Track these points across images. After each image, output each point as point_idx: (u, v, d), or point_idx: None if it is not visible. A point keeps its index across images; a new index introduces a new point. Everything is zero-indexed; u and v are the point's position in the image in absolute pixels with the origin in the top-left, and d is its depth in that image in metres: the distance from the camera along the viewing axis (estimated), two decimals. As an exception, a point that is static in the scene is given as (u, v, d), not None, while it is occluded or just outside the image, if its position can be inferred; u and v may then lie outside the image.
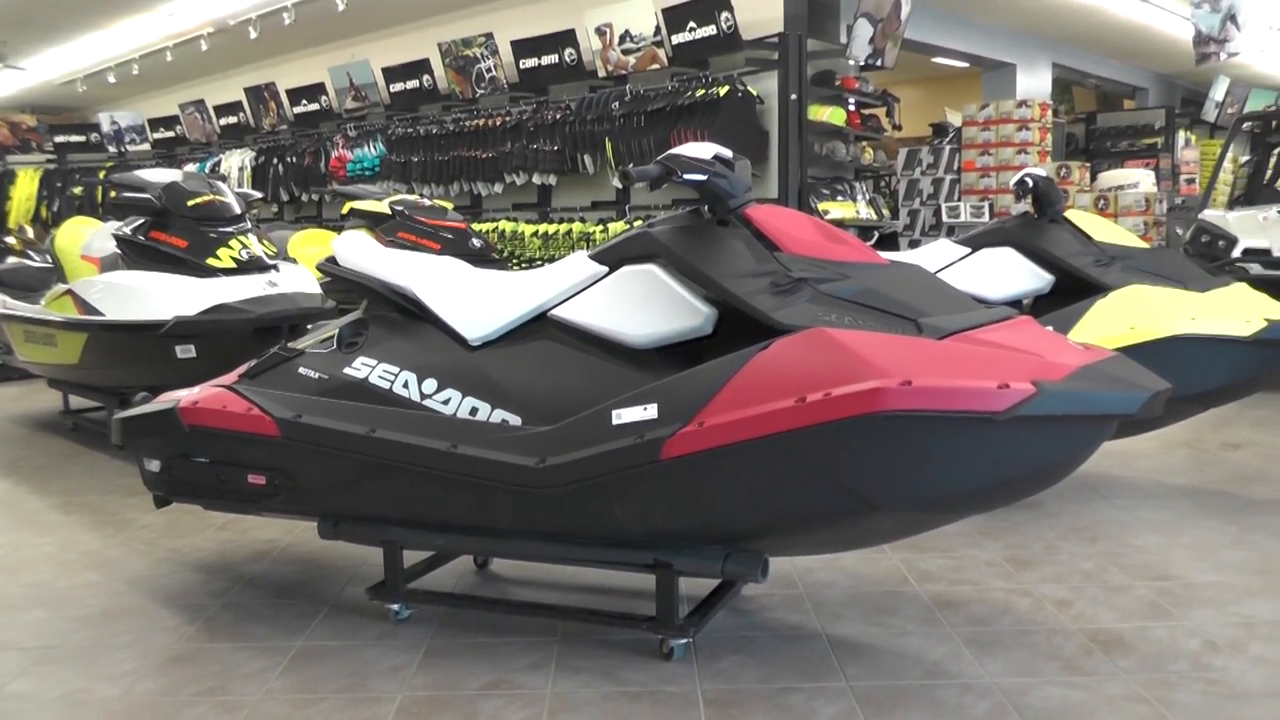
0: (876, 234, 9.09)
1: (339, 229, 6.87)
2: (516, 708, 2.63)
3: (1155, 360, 3.88)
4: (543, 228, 9.66)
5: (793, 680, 2.75)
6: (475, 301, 3.06)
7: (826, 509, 2.55)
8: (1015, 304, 4.36)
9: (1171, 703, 2.60)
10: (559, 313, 2.96)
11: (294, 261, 6.37)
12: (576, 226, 9.49)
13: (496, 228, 9.96)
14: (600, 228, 9.37)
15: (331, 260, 3.34)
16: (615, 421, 2.65)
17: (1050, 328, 3.95)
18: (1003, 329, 2.61)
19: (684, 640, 2.87)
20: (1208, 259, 6.80)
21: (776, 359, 2.50)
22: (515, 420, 2.88)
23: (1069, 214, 4.39)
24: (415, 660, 2.92)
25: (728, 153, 2.90)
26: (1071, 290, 4.21)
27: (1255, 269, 6.55)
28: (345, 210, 6.81)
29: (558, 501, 2.74)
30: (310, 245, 6.86)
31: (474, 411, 2.93)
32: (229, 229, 5.13)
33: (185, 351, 4.79)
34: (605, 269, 2.93)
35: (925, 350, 2.46)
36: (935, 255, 4.47)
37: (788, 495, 2.55)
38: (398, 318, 3.18)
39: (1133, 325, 3.92)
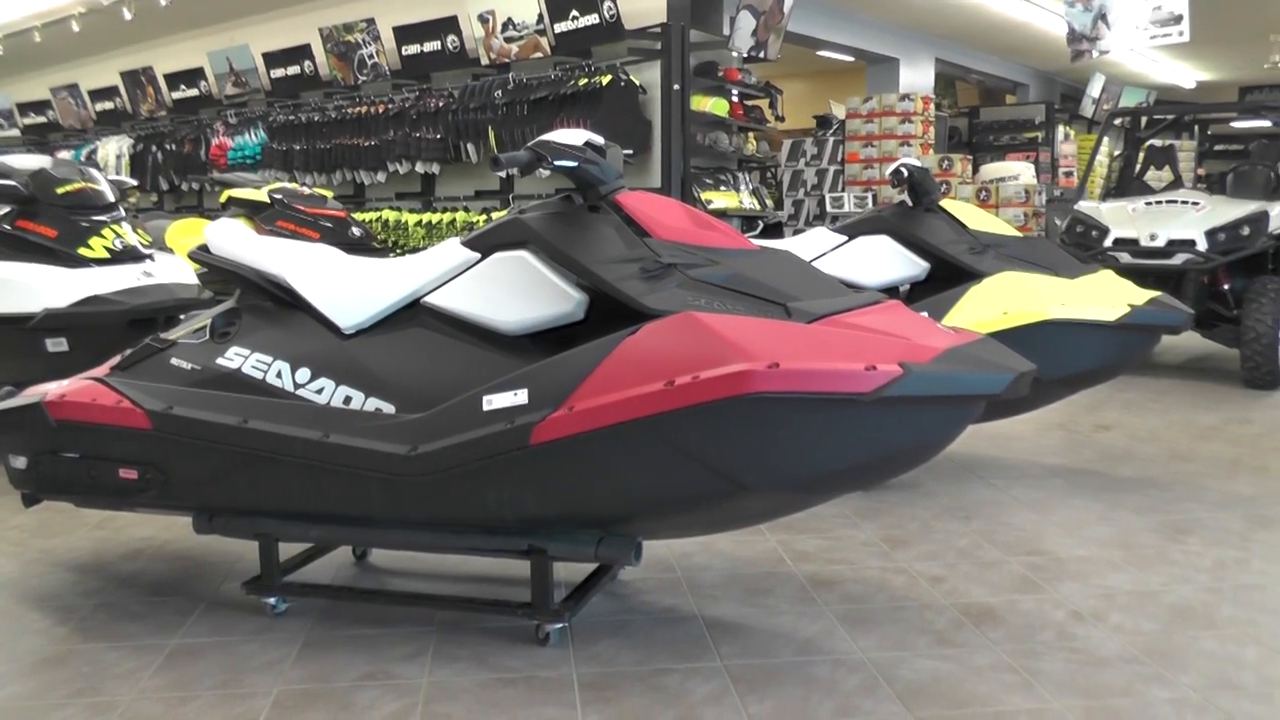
0: (761, 224, 9.17)
1: (218, 219, 6.70)
2: (392, 698, 2.58)
3: (1026, 344, 3.99)
4: (426, 217, 9.55)
5: (668, 661, 2.75)
6: (348, 289, 3.00)
7: (697, 491, 2.55)
8: (891, 291, 4.44)
9: (1037, 671, 2.67)
10: (432, 300, 2.92)
11: (170, 252, 6.18)
12: (460, 215, 9.40)
13: (380, 217, 9.82)
14: (484, 217, 9.30)
15: (204, 248, 3.24)
16: (486, 407, 2.62)
17: (924, 313, 4.06)
18: (872, 313, 2.64)
19: (559, 625, 2.86)
20: (1082, 248, 7.01)
21: (645, 343, 2.50)
22: (389, 409, 2.83)
23: (944, 203, 4.47)
24: (292, 654, 2.85)
25: (599, 139, 2.88)
26: (947, 277, 4.29)
27: (1125, 258, 6.76)
28: (223, 199, 6.63)
29: (430, 489, 2.70)
30: (187, 235, 6.66)
31: (347, 400, 2.88)
32: (101, 218, 4.93)
33: (56, 345, 4.59)
34: (478, 255, 2.89)
35: (793, 333, 2.47)
36: (812, 243, 4.52)
37: (658, 478, 2.54)
38: (271, 306, 3.10)
39: (1005, 310, 4.01)
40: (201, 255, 3.21)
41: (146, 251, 4.98)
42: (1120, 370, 4.26)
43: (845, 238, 4.51)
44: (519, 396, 2.59)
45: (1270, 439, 5.32)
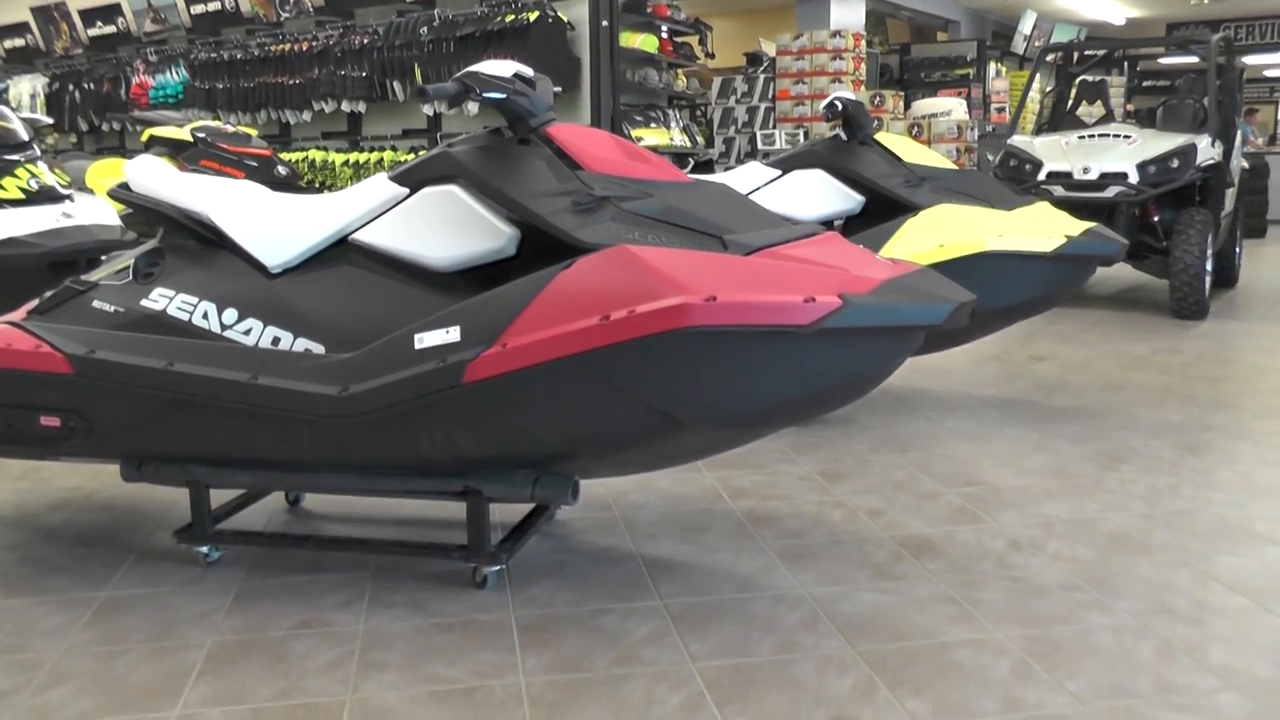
0: (691, 161, 9.09)
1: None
2: (327, 647, 2.51)
3: (963, 276, 3.99)
4: (354, 156, 9.35)
5: (606, 602, 2.72)
6: (274, 227, 2.89)
7: (633, 428, 2.51)
8: (827, 225, 4.40)
9: (977, 601, 2.67)
10: (360, 237, 2.82)
11: (91, 193, 5.97)
12: (388, 155, 9.22)
13: (306, 157, 9.59)
14: (411, 156, 9.12)
15: (124, 186, 3.11)
16: (418, 345, 2.54)
17: (861, 247, 4.03)
18: (809, 245, 2.59)
19: (496, 568, 2.80)
20: (1016, 181, 7.02)
21: (579, 277, 2.43)
22: (318, 349, 2.75)
23: (879, 136, 4.43)
24: (225, 604, 2.76)
25: (529, 71, 2.79)
26: (882, 211, 4.26)
27: (1058, 190, 6.79)
28: (145, 138, 6.40)
29: (362, 430, 2.62)
30: (109, 176, 6.43)
31: (276, 341, 2.78)
32: (14, 157, 4.73)
33: None
34: (405, 191, 2.79)
35: (730, 266, 2.42)
36: (746, 177, 4.46)
37: (594, 415, 2.49)
38: (195, 246, 2.98)
39: (942, 243, 3.99)
40: (122, 193, 3.07)
41: (65, 192, 4.80)
42: (1056, 301, 4.27)
43: (779, 172, 4.45)
44: (451, 334, 2.51)
45: (1197, 368, 5.40)
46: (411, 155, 9.13)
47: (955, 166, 4.45)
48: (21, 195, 4.57)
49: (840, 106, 4.32)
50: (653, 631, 2.55)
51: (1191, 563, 2.90)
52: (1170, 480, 3.61)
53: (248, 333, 2.81)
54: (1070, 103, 8.46)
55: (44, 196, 4.64)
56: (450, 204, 2.71)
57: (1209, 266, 6.70)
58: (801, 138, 10.41)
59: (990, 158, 10.11)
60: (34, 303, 3.08)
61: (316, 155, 9.56)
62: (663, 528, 3.23)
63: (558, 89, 7.65)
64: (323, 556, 3.04)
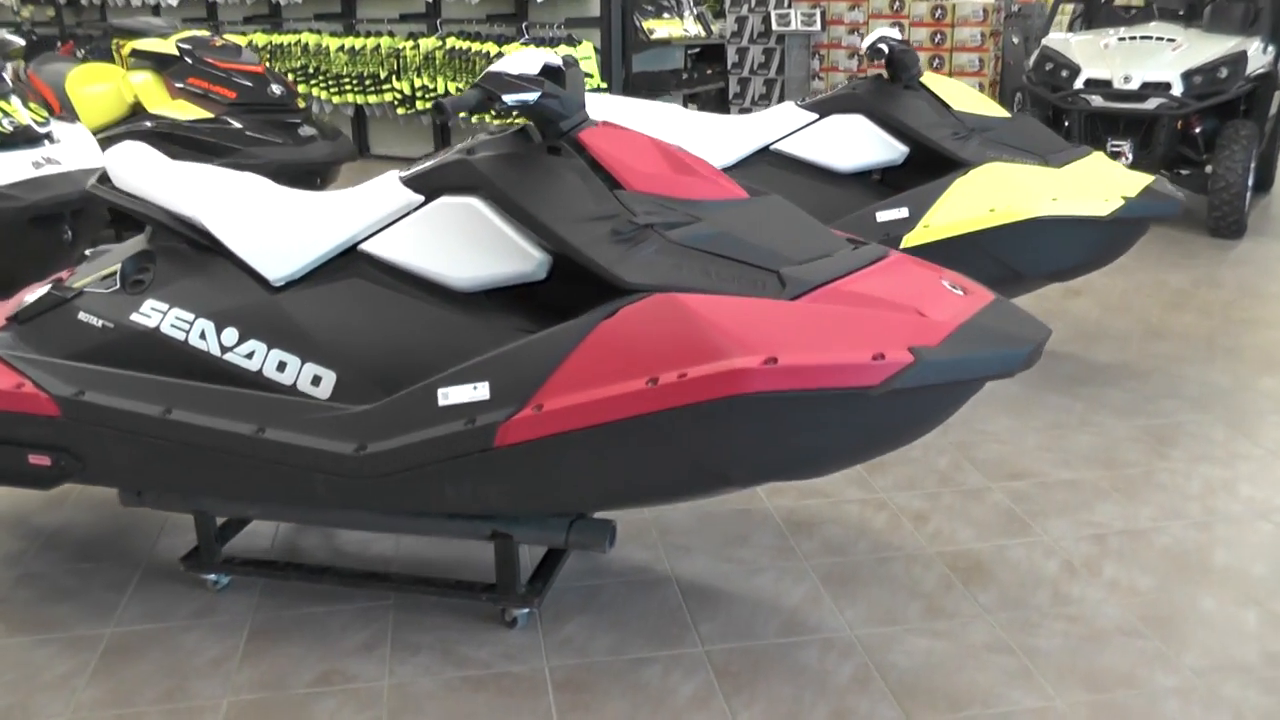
0: (700, 50, 8.64)
1: (129, 68, 6.04)
2: (352, 710, 2.37)
3: (1015, 241, 3.76)
4: (348, 41, 8.94)
5: (645, 647, 2.57)
6: (275, 235, 2.63)
7: (680, 485, 2.34)
8: (865, 174, 4.12)
9: (1035, 652, 2.53)
10: (370, 247, 2.57)
11: (73, 112, 5.59)
12: (385, 41, 8.81)
13: (299, 40, 9.16)
14: (411, 43, 8.70)
15: (105, 180, 2.83)
16: (442, 402, 2.33)
17: (905, 209, 3.77)
18: (875, 275, 2.36)
19: (526, 610, 2.65)
20: (1050, 88, 6.64)
21: (622, 331, 2.20)
22: (330, 376, 2.53)
23: (926, 79, 4.10)
24: (239, 645, 2.62)
25: (557, 59, 2.49)
26: (926, 162, 3.97)
27: (1096, 100, 6.42)
28: (126, 51, 5.98)
29: (382, 487, 2.43)
30: (93, 83, 6.03)
31: (282, 367, 2.56)
32: None
33: None
34: (421, 198, 2.53)
35: (790, 316, 2.19)
36: (780, 120, 4.16)
37: (637, 474, 2.30)
38: (188, 250, 2.72)
39: (993, 207, 3.72)
40: (102, 191, 2.80)
41: (43, 130, 4.44)
42: (1110, 260, 4.02)
43: (815, 115, 4.15)
44: (479, 391, 2.29)
45: (1239, 306, 5.17)
46: (410, 41, 8.69)
47: (1005, 114, 4.13)
48: (-7, 137, 4.21)
49: (886, 49, 3.99)
50: (697, 690, 2.41)
51: (1258, 597, 2.75)
52: (1224, 473, 3.44)
53: (250, 356, 2.59)
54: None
55: (20, 138, 4.26)
56: (472, 220, 2.45)
57: (1250, 182, 6.39)
58: (818, 19, 9.90)
59: (1015, 41, 9.63)
60: (15, 307, 2.84)
61: (310, 39, 9.12)
62: (697, 537, 3.06)
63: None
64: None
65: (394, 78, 8.90)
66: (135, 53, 5.87)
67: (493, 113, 2.40)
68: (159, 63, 5.81)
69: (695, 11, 8.84)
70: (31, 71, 6.12)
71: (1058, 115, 6.76)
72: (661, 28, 8.23)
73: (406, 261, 2.53)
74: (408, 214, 2.55)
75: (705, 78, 9.52)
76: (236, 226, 2.65)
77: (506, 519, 2.50)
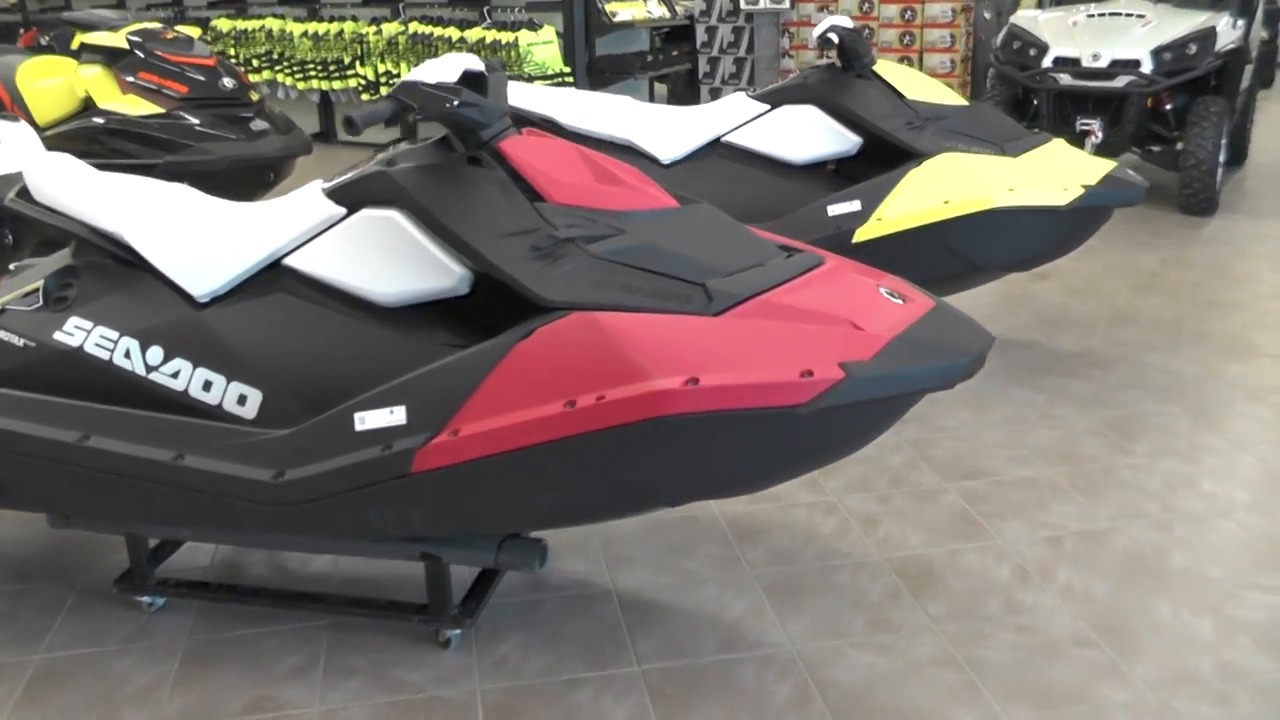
0: (669, 30, 8.49)
1: (79, 61, 5.89)
2: (275, 737, 2.31)
3: (971, 233, 3.66)
4: (312, 27, 8.80)
5: (581, 667, 2.49)
6: (199, 247, 2.53)
7: (607, 505, 2.26)
8: (819, 166, 4.02)
9: (982, 665, 2.46)
10: (294, 262, 2.48)
11: (24, 107, 5.46)
12: (348, 26, 8.66)
13: (263, 26, 9.02)
14: (374, 28, 8.56)
15: (24, 194, 2.73)
16: (359, 427, 2.23)
17: (857, 202, 3.67)
18: (807, 285, 2.26)
19: (460, 630, 2.57)
20: (1019, 67, 6.54)
21: (538, 353, 2.11)
22: (255, 395, 2.43)
23: (879, 67, 3.99)
24: (171, 672, 2.52)
25: (479, 65, 2.39)
26: (881, 153, 3.87)
27: (1065, 79, 6.31)
28: (76, 44, 5.83)
29: (303, 513, 2.34)
30: (44, 77, 5.87)
31: (208, 386, 2.46)
32: None
33: None
34: (343, 210, 2.43)
35: (714, 333, 2.10)
36: (731, 112, 4.05)
37: (562, 496, 2.21)
38: (112, 266, 2.62)
39: (947, 199, 3.63)
40: (21, 205, 2.70)
41: (-22, 127, 4.31)
42: (1070, 250, 3.93)
43: (767, 106, 4.04)
44: (396, 415, 2.20)
45: (1208, 288, 5.09)
46: (373, 27, 8.55)
47: (961, 102, 4.03)
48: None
49: (836, 39, 3.88)
50: (630, 715, 2.33)
51: (1215, 604, 2.67)
52: (1186, 468, 3.37)
53: (175, 375, 2.49)
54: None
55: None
56: (392, 233, 2.35)
57: (1221, 158, 6.31)
58: (789, -6, 9.76)
59: (987, 16, 9.50)
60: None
61: (274, 24, 8.96)
62: (643, 547, 2.98)
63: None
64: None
65: (358, 63, 8.76)
66: (85, 46, 5.72)
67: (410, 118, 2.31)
68: (110, 55, 5.66)
69: (660, -10, 8.71)
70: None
71: (1026, 95, 6.66)
72: (625, 9, 8.09)
73: (330, 276, 2.44)
74: (330, 227, 2.45)
75: (672, 59, 9.39)
76: (160, 241, 2.55)
77: (435, 541, 2.42)
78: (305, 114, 9.35)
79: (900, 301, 2.32)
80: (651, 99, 9.73)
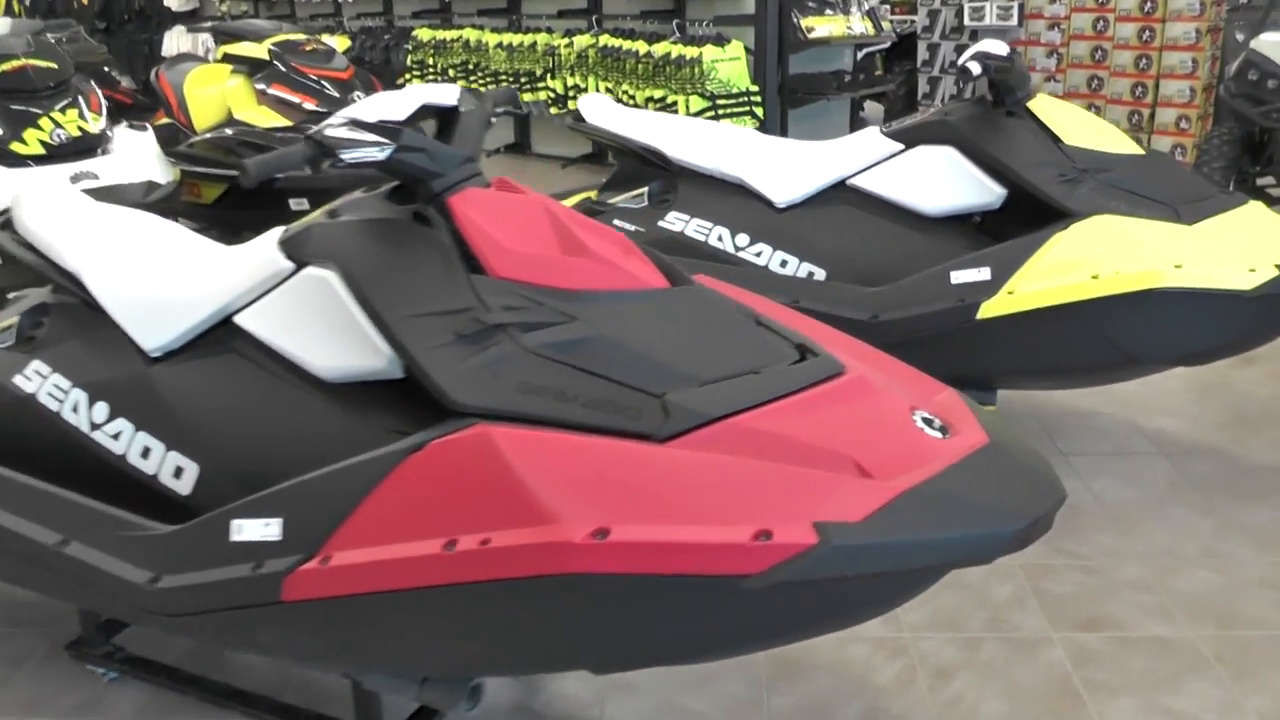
0: (891, 46, 7.83)
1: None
2: None
3: (1126, 318, 2.99)
4: (506, 38, 8.70)
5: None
6: (151, 298, 2.25)
7: (515, 663, 1.80)
8: (959, 219, 3.40)
9: None
10: (243, 320, 2.14)
11: (182, 116, 5.44)
12: (541, 38, 8.49)
13: (460, 37, 9.01)
14: (566, 41, 8.33)
15: (6, 226, 2.54)
16: (234, 536, 1.87)
17: (986, 268, 3.07)
18: (809, 403, 1.73)
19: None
20: (1253, 101, 5.62)
21: (425, 473, 1.67)
22: (192, 468, 2.13)
23: (1035, 103, 3.34)
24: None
25: (451, 99, 1.99)
26: (1029, 208, 3.23)
27: (1310, 124, 5.39)
28: (219, 55, 5.82)
29: (184, 623, 1.99)
30: (206, 85, 5.90)
31: (146, 453, 2.19)
32: (35, 110, 4.19)
33: None
34: (291, 266, 2.07)
35: (655, 466, 1.60)
36: (860, 150, 3.48)
37: (460, 648, 1.77)
38: (79, 307, 2.39)
39: (1097, 274, 2.96)
40: (4, 242, 2.51)
41: (97, 135, 4.24)
42: (1260, 344, 3.17)
43: (901, 146, 3.45)
44: (271, 528, 1.82)
45: None
46: (565, 40, 8.33)
47: (1133, 150, 3.32)
48: (42, 150, 4.04)
49: (979, 69, 3.24)
50: None
51: None
52: (1382, 647, 2.60)
53: (117, 437, 2.23)
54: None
55: (68, 150, 4.09)
56: (328, 299, 1.98)
57: None
58: (1015, 13, 8.94)
59: (1239, 38, 8.37)
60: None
61: (471, 35, 8.97)
62: (649, 672, 2.49)
63: None
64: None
65: (549, 75, 8.57)
66: (228, 57, 5.70)
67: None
68: (252, 66, 5.61)
69: (865, 8, 8.06)
70: (161, 73, 6.08)
71: (1263, 136, 5.72)
72: (822, 25, 7.52)
73: (274, 340, 2.09)
74: (278, 284, 2.10)
75: (874, 79, 8.75)
76: (117, 286, 2.28)
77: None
78: (500, 125, 9.24)
79: (940, 435, 1.76)
80: (852, 123, 9.13)
